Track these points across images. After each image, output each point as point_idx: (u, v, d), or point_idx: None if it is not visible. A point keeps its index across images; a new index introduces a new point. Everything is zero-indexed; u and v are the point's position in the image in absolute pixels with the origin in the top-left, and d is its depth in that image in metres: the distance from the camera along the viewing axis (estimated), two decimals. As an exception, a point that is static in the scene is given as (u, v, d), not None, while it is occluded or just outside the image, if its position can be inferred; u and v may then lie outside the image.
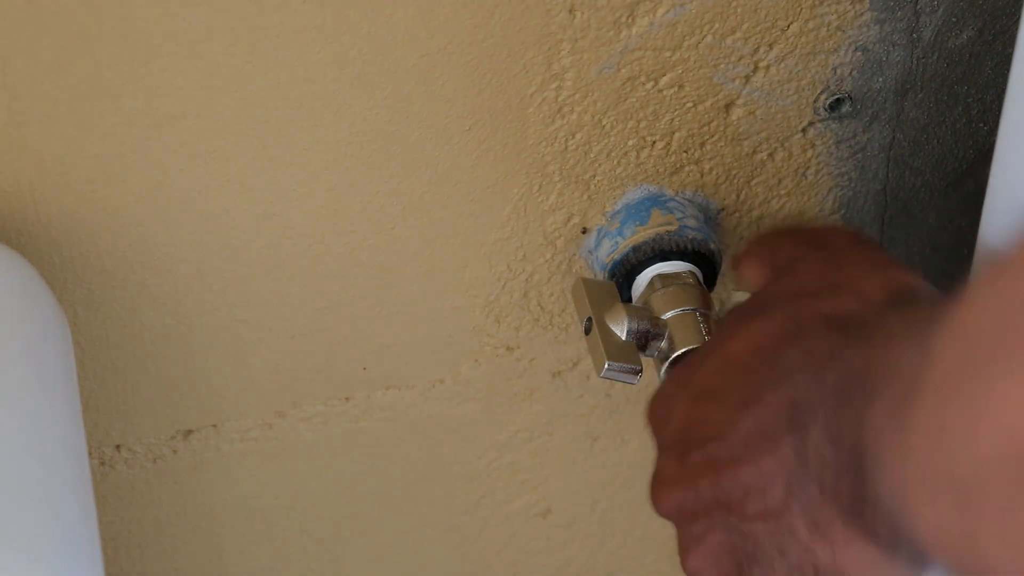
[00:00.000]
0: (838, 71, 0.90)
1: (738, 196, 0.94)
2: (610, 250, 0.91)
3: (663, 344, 0.87)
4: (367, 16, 0.81)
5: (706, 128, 0.90)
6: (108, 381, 0.91)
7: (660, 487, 0.77)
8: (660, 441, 0.78)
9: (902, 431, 0.57)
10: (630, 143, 0.90)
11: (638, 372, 0.86)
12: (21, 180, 0.82)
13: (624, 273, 0.90)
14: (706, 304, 0.88)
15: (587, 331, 0.88)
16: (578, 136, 0.89)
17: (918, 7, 0.88)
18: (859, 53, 0.89)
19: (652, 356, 0.88)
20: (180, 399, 0.93)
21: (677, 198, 0.92)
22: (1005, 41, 0.91)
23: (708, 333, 0.87)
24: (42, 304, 0.80)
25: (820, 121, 0.92)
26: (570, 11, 0.84)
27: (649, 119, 0.89)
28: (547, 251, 0.93)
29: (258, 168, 0.85)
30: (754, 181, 0.94)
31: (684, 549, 0.76)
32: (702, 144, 0.91)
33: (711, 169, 0.92)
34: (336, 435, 0.98)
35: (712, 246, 0.91)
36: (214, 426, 0.95)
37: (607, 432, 1.04)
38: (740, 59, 0.88)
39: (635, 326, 0.87)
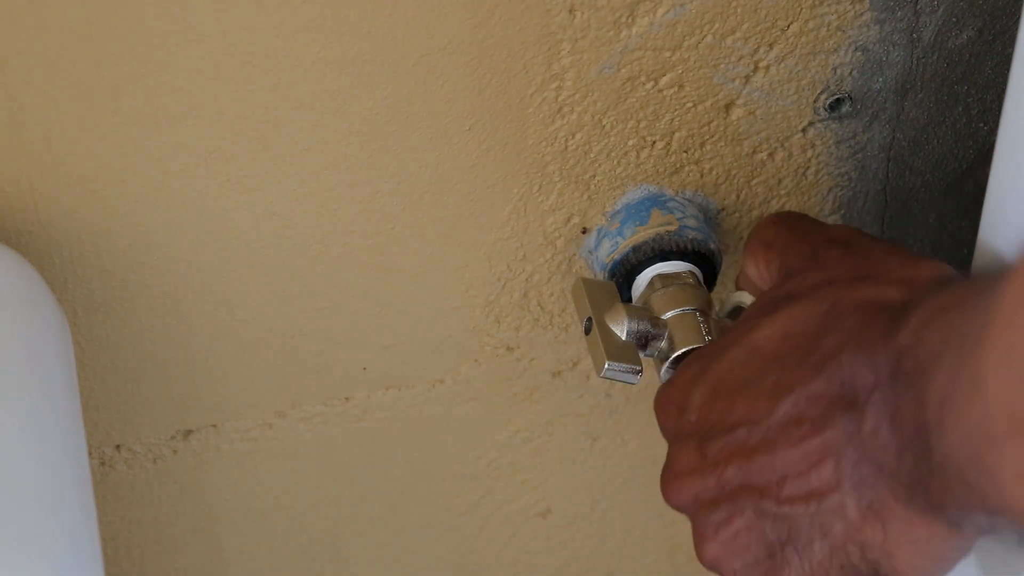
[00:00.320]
0: (838, 71, 0.90)
1: (738, 196, 0.94)
2: (610, 250, 0.91)
3: (663, 344, 0.87)
4: (367, 16, 0.81)
5: (706, 128, 0.90)
6: (108, 381, 0.91)
7: (676, 478, 0.77)
8: (674, 432, 0.78)
9: (974, 386, 0.58)
10: (630, 143, 0.90)
11: (638, 372, 0.86)
12: (21, 180, 0.82)
13: (624, 273, 0.90)
14: (706, 304, 0.88)
15: (587, 331, 0.88)
16: (578, 136, 0.89)
17: (918, 7, 0.88)
18: (859, 53, 0.89)
19: (652, 356, 0.88)
20: (180, 399, 0.93)
21: (677, 198, 0.92)
22: (1005, 41, 0.91)
23: (708, 333, 0.87)
24: (42, 304, 0.80)
25: (820, 121, 0.92)
26: (570, 11, 0.84)
27: (649, 119, 0.89)
28: (547, 251, 0.93)
29: (258, 168, 0.85)
30: (754, 181, 0.94)
31: (703, 539, 0.76)
32: (702, 144, 0.91)
33: (711, 169, 0.92)
34: (336, 435, 0.98)
35: (712, 246, 0.91)
36: (214, 426, 0.95)
37: (607, 432, 1.04)
38: (740, 59, 0.88)
39: (635, 326, 0.87)
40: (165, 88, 0.81)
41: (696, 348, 0.87)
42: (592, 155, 0.90)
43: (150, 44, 0.79)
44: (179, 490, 0.98)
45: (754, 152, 0.92)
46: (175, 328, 0.90)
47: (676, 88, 0.88)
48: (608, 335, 0.87)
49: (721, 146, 0.91)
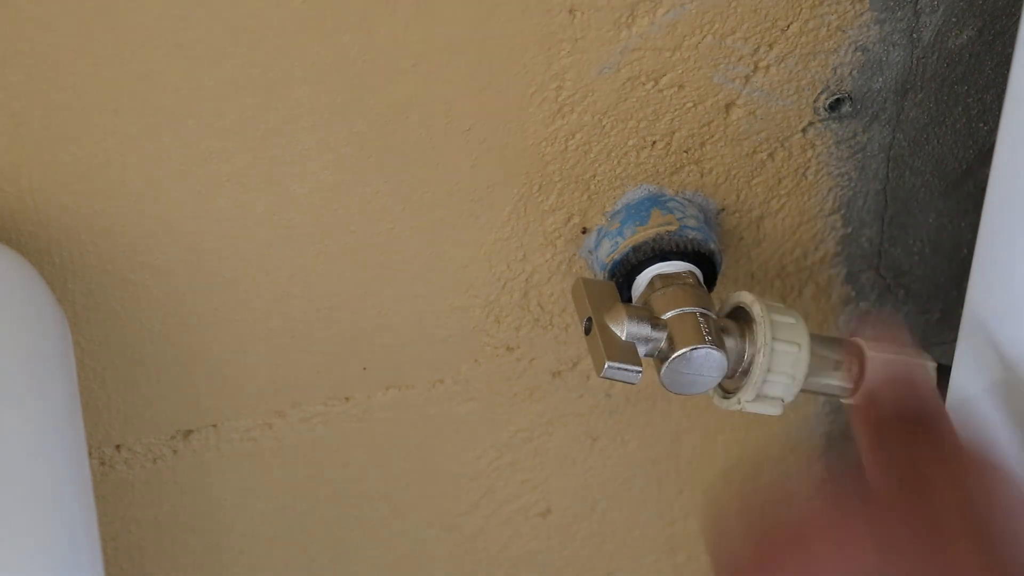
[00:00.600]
0: (838, 71, 0.90)
1: (738, 196, 0.94)
2: (610, 250, 0.91)
3: (663, 344, 0.87)
4: (367, 17, 0.81)
5: (706, 128, 0.90)
6: (108, 381, 0.91)
7: None
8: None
9: None
10: (630, 143, 0.90)
11: (638, 372, 0.86)
12: (21, 180, 0.82)
13: (624, 273, 0.90)
14: (706, 304, 0.88)
15: (587, 331, 0.88)
16: (578, 136, 0.89)
17: (918, 7, 0.88)
18: (859, 53, 0.89)
19: (652, 356, 0.88)
20: (180, 399, 0.93)
21: (677, 198, 0.92)
22: (1005, 41, 0.91)
23: (708, 333, 0.87)
24: (42, 304, 0.80)
25: (820, 121, 0.92)
26: (570, 11, 0.84)
27: (649, 119, 0.89)
28: (547, 251, 0.93)
29: (258, 168, 0.85)
30: (754, 181, 0.94)
31: None
32: (702, 144, 0.91)
33: (711, 169, 0.92)
34: (336, 435, 0.98)
35: (712, 246, 0.91)
36: (214, 426, 0.95)
37: (607, 432, 1.04)
38: (740, 59, 0.88)
39: (635, 326, 0.87)
40: (165, 88, 0.81)
41: (696, 348, 0.87)
42: (592, 155, 0.90)
43: (150, 44, 0.79)
44: (179, 490, 0.98)
45: (754, 152, 0.92)
46: (175, 328, 0.90)
47: (676, 88, 0.88)
48: (608, 335, 0.87)
49: (721, 146, 0.91)
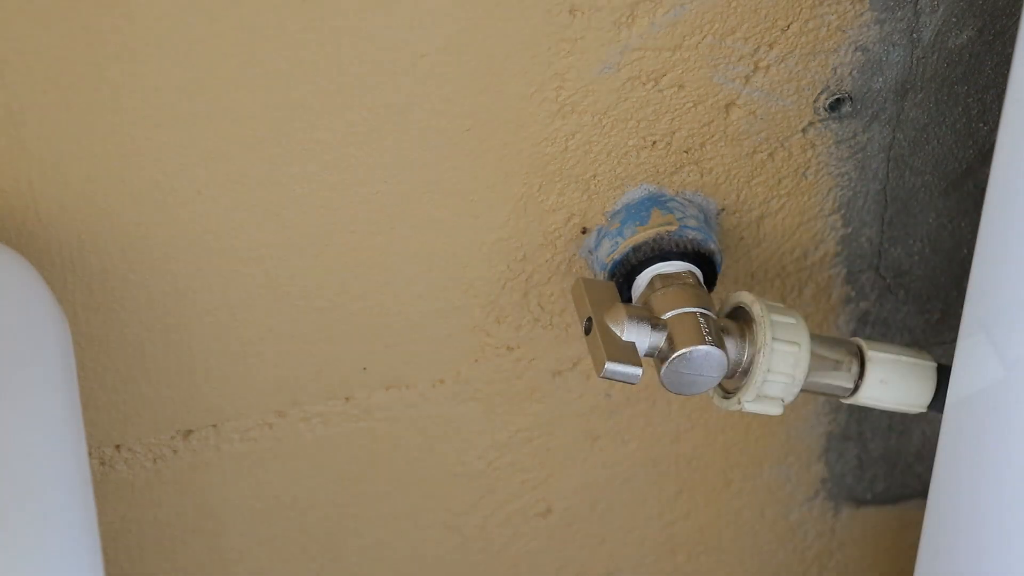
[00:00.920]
0: (838, 71, 0.90)
1: (738, 196, 0.94)
2: (610, 250, 0.91)
3: (663, 344, 0.87)
4: (366, 17, 0.81)
5: (706, 128, 0.90)
6: (108, 381, 0.91)
7: None
8: None
9: None
10: (630, 143, 0.90)
11: (638, 372, 0.86)
12: (21, 180, 0.82)
13: (624, 273, 0.90)
14: (706, 304, 0.88)
15: (587, 331, 0.88)
16: (578, 136, 0.89)
17: (918, 7, 0.88)
18: (859, 53, 0.89)
19: (652, 356, 0.88)
20: (180, 399, 0.93)
21: (677, 198, 0.92)
22: (1005, 41, 0.91)
23: (708, 333, 0.87)
24: (42, 304, 0.80)
25: (820, 121, 0.92)
26: (570, 11, 0.84)
27: (649, 119, 0.89)
28: (547, 251, 0.93)
29: (258, 168, 0.85)
30: (754, 181, 0.94)
31: None
32: (702, 144, 0.91)
33: (711, 169, 0.92)
34: (336, 435, 0.98)
35: (712, 246, 0.91)
36: (214, 426, 0.96)
37: (607, 432, 1.04)
38: (740, 59, 0.88)
39: (635, 326, 0.87)
40: (165, 88, 0.81)
41: (696, 348, 0.87)
42: (592, 155, 0.90)
43: (150, 44, 0.79)
44: (179, 490, 0.98)
45: (754, 152, 0.92)
46: (175, 328, 0.90)
47: (676, 88, 0.88)
48: (608, 335, 0.87)
49: (721, 146, 0.91)
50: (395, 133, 0.86)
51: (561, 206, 0.91)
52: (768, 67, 0.89)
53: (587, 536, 1.09)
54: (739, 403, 0.90)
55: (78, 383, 0.82)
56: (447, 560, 1.07)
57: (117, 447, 0.95)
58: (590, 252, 0.93)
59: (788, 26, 0.88)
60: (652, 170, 0.91)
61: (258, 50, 0.81)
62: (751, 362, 0.89)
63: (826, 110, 0.91)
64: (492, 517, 1.06)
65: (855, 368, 0.92)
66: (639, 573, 1.13)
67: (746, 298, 0.91)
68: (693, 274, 0.90)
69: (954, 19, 0.90)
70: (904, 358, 0.93)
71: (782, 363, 0.89)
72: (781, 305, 0.91)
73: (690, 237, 0.90)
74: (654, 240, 0.90)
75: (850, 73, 0.90)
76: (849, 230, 0.98)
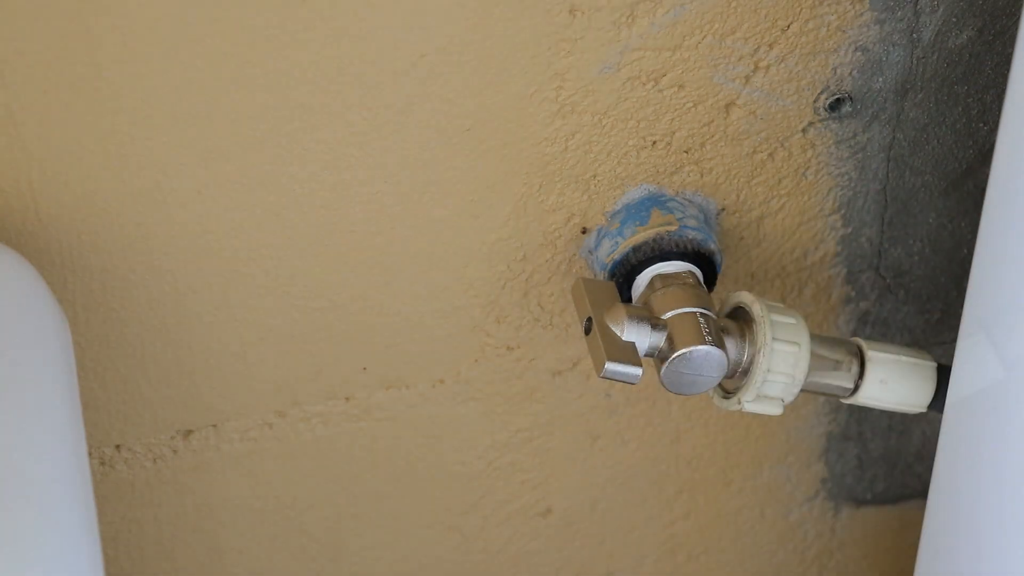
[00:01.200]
0: (838, 71, 0.90)
1: (738, 196, 0.94)
2: (610, 250, 0.91)
3: (663, 344, 0.87)
4: (366, 17, 0.81)
5: (706, 128, 0.90)
6: (108, 381, 0.91)
7: None
8: None
9: None
10: (630, 143, 0.90)
11: (638, 372, 0.86)
12: (21, 180, 0.82)
13: (624, 273, 0.90)
14: (706, 304, 0.88)
15: (587, 331, 0.88)
16: (578, 136, 0.89)
17: (918, 7, 0.88)
18: (859, 53, 0.89)
19: (652, 356, 0.88)
20: (180, 399, 0.93)
21: (677, 198, 0.92)
22: (1005, 41, 0.91)
23: (708, 333, 0.87)
24: (42, 304, 0.80)
25: (820, 121, 0.92)
26: (570, 11, 0.84)
27: (649, 119, 0.89)
28: (547, 251, 0.93)
29: (258, 168, 0.85)
30: (754, 181, 0.94)
31: None
32: (702, 144, 0.91)
33: (711, 169, 0.92)
34: (336, 435, 0.98)
35: (712, 246, 0.91)
36: (214, 426, 0.95)
37: (607, 432, 1.04)
38: (740, 59, 0.88)
39: (635, 326, 0.87)
40: (165, 88, 0.81)
41: (695, 348, 0.87)
42: (592, 155, 0.90)
43: (150, 44, 0.79)
44: (179, 490, 0.98)
45: (754, 152, 0.92)
46: (175, 328, 0.90)
47: (676, 88, 0.88)
48: (608, 335, 0.87)
49: (721, 146, 0.91)
50: (395, 133, 0.86)
51: (561, 206, 0.91)
52: (768, 67, 0.89)
53: (587, 536, 1.09)
54: (739, 403, 0.90)
55: (78, 383, 0.82)
56: (447, 560, 1.07)
57: (117, 447, 0.95)
58: (590, 252, 0.93)
59: (788, 26, 0.88)
60: (652, 170, 0.91)
61: (258, 50, 0.81)
62: (751, 362, 0.89)
63: (826, 110, 0.91)
64: (492, 517, 1.06)
65: (855, 368, 0.92)
66: (639, 573, 1.13)
67: (746, 298, 0.91)
68: (693, 274, 0.90)
69: (954, 19, 0.90)
70: (904, 358, 0.93)
71: (782, 363, 0.89)
72: (781, 305, 0.91)
73: (690, 237, 0.90)
74: (654, 240, 0.90)
75: (850, 73, 0.90)
76: (849, 230, 0.98)
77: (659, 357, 0.88)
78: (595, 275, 0.93)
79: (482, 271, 0.93)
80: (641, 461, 1.06)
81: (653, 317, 0.88)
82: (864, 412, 1.08)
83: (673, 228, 0.90)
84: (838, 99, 0.91)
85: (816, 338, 0.91)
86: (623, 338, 0.87)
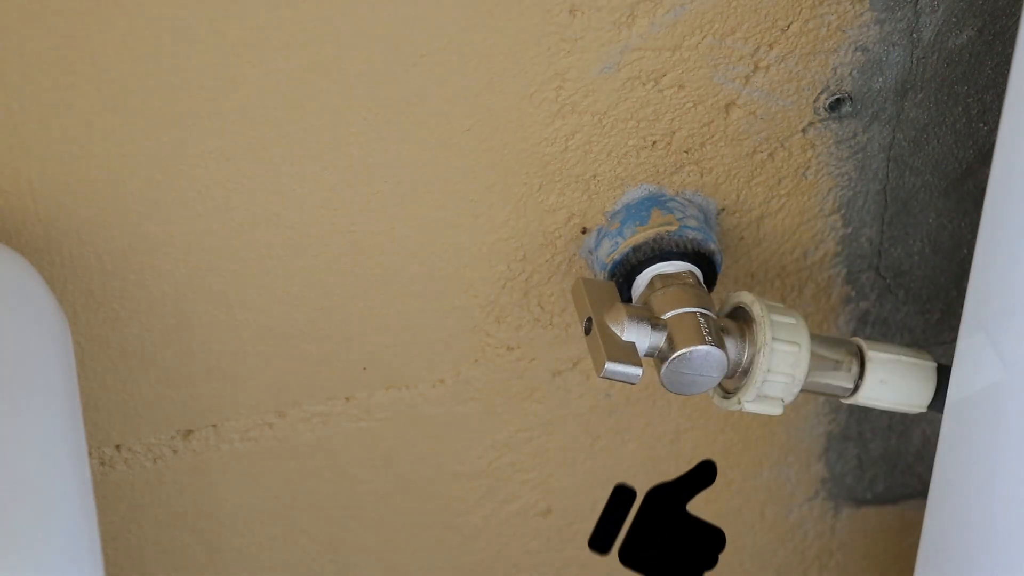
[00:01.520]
0: (838, 71, 0.90)
1: (738, 196, 0.94)
2: (610, 250, 0.91)
3: (663, 344, 0.87)
4: (366, 17, 0.81)
5: (706, 128, 0.90)
6: (108, 381, 0.91)
7: None
8: None
9: None
10: (630, 143, 0.90)
11: (638, 372, 0.86)
12: (21, 180, 0.82)
13: (624, 273, 0.90)
14: (706, 304, 0.88)
15: (587, 331, 0.88)
16: (578, 136, 0.89)
17: (918, 7, 0.88)
18: (859, 53, 0.89)
19: (652, 356, 0.88)
20: (180, 399, 0.93)
21: (677, 198, 0.92)
22: (1005, 41, 0.91)
23: (708, 333, 0.87)
24: (42, 304, 0.80)
25: (820, 121, 0.92)
26: (570, 11, 0.84)
27: (649, 119, 0.89)
28: (547, 251, 0.93)
29: (258, 168, 0.85)
30: (754, 181, 0.94)
31: None
32: (702, 144, 0.91)
33: (711, 169, 0.92)
34: (336, 435, 0.98)
35: (712, 246, 0.91)
36: (214, 426, 0.95)
37: (607, 432, 1.04)
38: (740, 59, 0.88)
39: (635, 326, 0.87)
40: (165, 88, 0.81)
41: (695, 348, 0.87)
42: (592, 155, 0.90)
43: (150, 44, 0.79)
44: (179, 490, 0.98)
45: (754, 152, 0.92)
46: (175, 328, 0.90)
47: (676, 88, 0.88)
48: (608, 335, 0.87)
49: (721, 146, 0.91)
50: (395, 133, 0.86)
51: (561, 206, 0.91)
52: (768, 67, 0.89)
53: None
54: (739, 403, 0.90)
55: (78, 383, 0.82)
56: (447, 560, 1.07)
57: (117, 447, 0.95)
58: (590, 252, 0.93)
59: (788, 26, 0.88)
60: (652, 170, 0.91)
61: (258, 50, 0.81)
62: (751, 362, 0.89)
63: (826, 110, 0.91)
64: (492, 517, 1.06)
65: (855, 368, 0.92)
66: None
67: (746, 298, 0.91)
68: (693, 274, 0.90)
69: (954, 19, 0.90)
70: (904, 358, 0.93)
71: (782, 363, 0.89)
72: (781, 305, 0.91)
73: (690, 237, 0.90)
74: (654, 240, 0.90)
75: (850, 73, 0.90)
76: (849, 230, 0.98)
77: (659, 357, 0.88)
78: (595, 275, 0.93)
79: (482, 271, 0.93)
80: (641, 461, 1.06)
81: (653, 317, 0.88)
82: (864, 412, 1.08)
83: (673, 228, 0.90)
84: (838, 99, 0.91)
85: (816, 338, 0.91)
86: (623, 338, 0.87)
